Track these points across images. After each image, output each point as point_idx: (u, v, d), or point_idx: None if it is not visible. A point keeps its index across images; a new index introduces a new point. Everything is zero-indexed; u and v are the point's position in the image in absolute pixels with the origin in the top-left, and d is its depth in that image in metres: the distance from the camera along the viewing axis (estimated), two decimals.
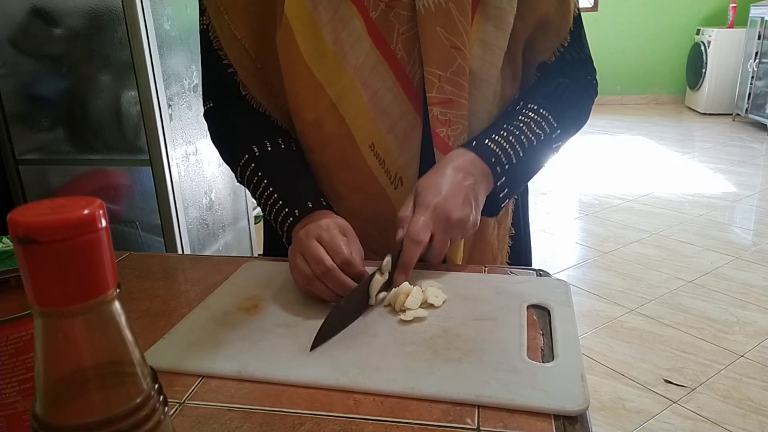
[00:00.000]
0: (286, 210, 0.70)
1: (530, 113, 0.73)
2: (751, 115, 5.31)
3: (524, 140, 0.71)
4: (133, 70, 1.63)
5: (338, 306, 0.58)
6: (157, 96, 1.66)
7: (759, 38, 5.17)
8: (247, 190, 0.78)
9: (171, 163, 1.73)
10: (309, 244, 0.62)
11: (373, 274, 0.62)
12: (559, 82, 0.77)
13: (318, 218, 0.67)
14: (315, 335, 0.55)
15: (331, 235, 0.63)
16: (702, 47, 5.70)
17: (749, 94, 5.28)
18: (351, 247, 0.64)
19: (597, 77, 0.83)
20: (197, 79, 1.86)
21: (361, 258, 0.64)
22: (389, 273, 0.63)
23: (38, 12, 1.71)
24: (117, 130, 1.79)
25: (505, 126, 0.72)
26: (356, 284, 0.61)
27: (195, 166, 1.89)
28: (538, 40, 0.76)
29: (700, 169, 4.17)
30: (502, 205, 0.72)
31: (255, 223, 2.40)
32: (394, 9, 0.69)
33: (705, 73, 5.69)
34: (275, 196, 0.72)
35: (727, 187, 3.73)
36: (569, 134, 0.78)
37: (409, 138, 0.73)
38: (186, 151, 1.83)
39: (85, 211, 0.22)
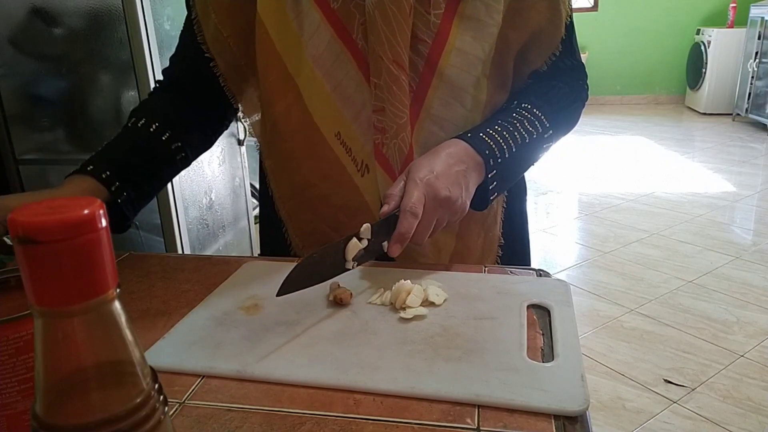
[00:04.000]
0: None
1: (524, 112, 0.75)
2: (751, 115, 5.31)
3: (517, 137, 0.72)
4: (133, 70, 1.63)
5: (311, 257, 0.58)
6: None
7: (759, 38, 5.17)
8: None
9: None
10: None
11: (350, 237, 0.62)
12: (552, 85, 0.78)
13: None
14: (283, 280, 0.56)
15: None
16: (702, 47, 5.70)
17: (749, 94, 5.28)
18: None
19: (588, 81, 0.84)
20: None
21: None
22: (368, 240, 0.63)
23: (38, 12, 1.71)
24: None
25: (499, 122, 0.73)
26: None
27: (195, 166, 1.88)
28: (531, 51, 0.77)
29: (700, 169, 4.17)
30: (491, 198, 0.73)
31: (255, 223, 2.40)
32: (354, 0, 0.70)
33: (705, 73, 5.69)
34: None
35: (727, 187, 3.73)
36: (559, 135, 0.79)
37: (372, 126, 0.74)
38: None
39: (85, 211, 0.23)
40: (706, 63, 5.64)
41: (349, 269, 0.62)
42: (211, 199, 2.02)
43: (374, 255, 0.65)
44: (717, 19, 6.01)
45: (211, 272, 0.73)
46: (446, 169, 0.66)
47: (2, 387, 0.35)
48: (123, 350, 0.25)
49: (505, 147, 0.71)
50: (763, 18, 5.10)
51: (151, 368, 0.27)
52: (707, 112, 5.80)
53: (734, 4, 5.67)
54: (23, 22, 1.73)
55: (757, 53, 5.19)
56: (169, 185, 1.74)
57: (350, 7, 0.70)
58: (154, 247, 1.87)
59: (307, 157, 0.77)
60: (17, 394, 0.36)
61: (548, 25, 0.74)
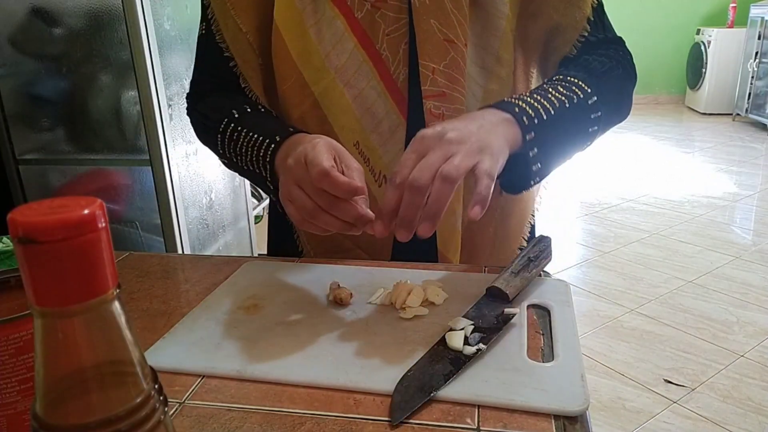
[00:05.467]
0: (267, 141, 0.67)
1: (554, 79, 0.69)
2: (751, 115, 5.31)
3: (553, 99, 0.65)
4: (133, 70, 1.63)
5: (407, 377, 0.49)
6: (157, 96, 1.66)
7: (759, 38, 5.16)
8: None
9: (171, 163, 1.73)
10: (303, 175, 0.57)
11: (441, 340, 0.54)
12: (584, 58, 0.75)
13: (301, 139, 0.63)
14: (390, 406, 0.46)
15: (316, 150, 0.57)
16: (702, 47, 5.70)
17: (749, 94, 5.28)
18: (342, 162, 0.58)
19: (633, 60, 0.79)
20: None
21: (359, 174, 0.58)
22: (471, 325, 0.55)
23: (38, 12, 1.71)
24: (117, 130, 1.79)
25: (530, 92, 0.67)
26: (364, 209, 0.56)
27: (195, 166, 1.89)
28: (556, 40, 0.76)
29: (700, 169, 4.17)
30: (535, 172, 0.65)
31: (255, 223, 2.40)
32: (380, 9, 0.70)
33: (705, 72, 5.69)
34: (255, 136, 0.69)
35: (727, 187, 3.72)
36: (609, 106, 0.71)
37: (392, 137, 0.73)
38: (186, 151, 1.83)
39: (85, 211, 0.22)
40: (706, 63, 5.64)
41: (472, 353, 0.51)
42: (211, 199, 2.02)
43: (494, 325, 0.56)
44: (717, 19, 6.00)
45: (211, 272, 0.73)
46: (455, 121, 0.58)
47: (2, 387, 0.35)
48: (123, 350, 0.25)
49: (539, 107, 0.63)
50: (763, 18, 5.10)
51: (151, 368, 0.27)
52: (707, 112, 5.80)
53: (734, 4, 5.67)
54: (23, 22, 1.73)
55: (757, 53, 5.19)
56: (169, 185, 1.74)
57: (375, 17, 0.70)
58: (154, 247, 1.87)
59: None
60: (17, 394, 0.36)
61: (568, 8, 0.73)
